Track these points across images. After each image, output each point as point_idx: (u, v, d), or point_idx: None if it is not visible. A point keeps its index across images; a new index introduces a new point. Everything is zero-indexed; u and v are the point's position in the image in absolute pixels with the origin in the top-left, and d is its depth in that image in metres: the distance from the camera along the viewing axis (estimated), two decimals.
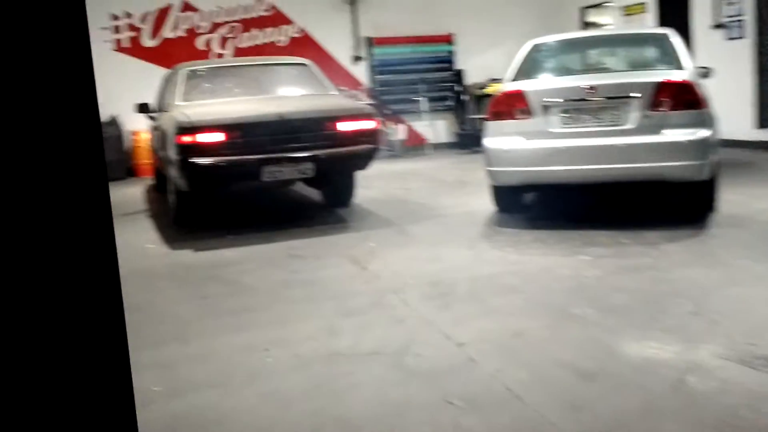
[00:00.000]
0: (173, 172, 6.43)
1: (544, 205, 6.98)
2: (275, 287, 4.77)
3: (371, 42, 12.99)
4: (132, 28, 11.70)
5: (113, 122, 11.10)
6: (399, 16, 12.97)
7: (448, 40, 13.41)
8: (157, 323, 4.14)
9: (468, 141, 12.95)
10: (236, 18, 12.23)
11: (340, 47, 12.85)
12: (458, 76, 13.47)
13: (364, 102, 6.86)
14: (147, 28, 11.77)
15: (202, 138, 6.08)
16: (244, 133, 6.16)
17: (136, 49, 11.71)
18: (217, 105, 6.70)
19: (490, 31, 13.49)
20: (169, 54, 11.67)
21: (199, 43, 12.08)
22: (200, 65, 7.53)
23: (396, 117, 13.16)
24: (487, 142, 6.10)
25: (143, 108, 8.11)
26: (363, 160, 6.75)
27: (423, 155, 12.87)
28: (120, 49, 11.66)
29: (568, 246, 5.31)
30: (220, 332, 3.91)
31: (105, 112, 10.93)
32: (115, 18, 11.59)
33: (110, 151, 10.60)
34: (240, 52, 12.20)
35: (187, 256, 5.85)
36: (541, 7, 13.70)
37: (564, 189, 6.51)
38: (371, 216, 7.06)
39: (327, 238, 6.15)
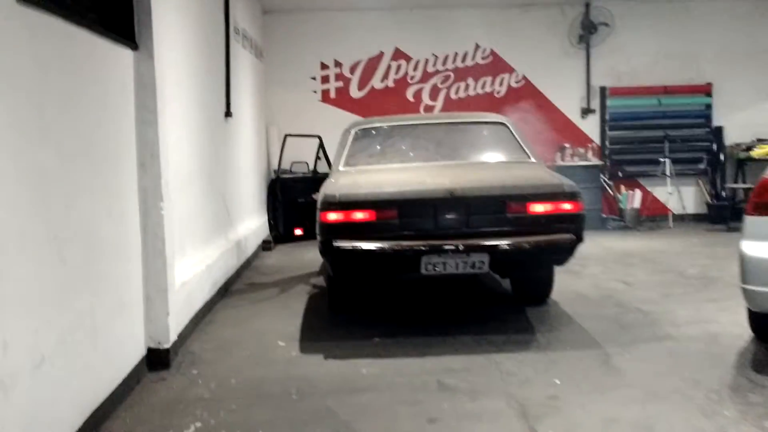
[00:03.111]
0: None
1: None
2: None
3: (605, 92, 11.07)
4: (340, 77, 11.06)
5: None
6: (642, 62, 10.94)
7: (705, 90, 11.03)
8: None
9: (723, 214, 10.46)
10: (451, 67, 11.08)
11: (567, 98, 11.12)
12: (716, 134, 10.99)
13: (563, 178, 5.13)
14: (356, 77, 11.06)
15: (349, 216, 4.84)
16: (401, 213, 4.83)
17: (342, 100, 11.04)
18: (380, 174, 5.45)
19: (759, 81, 10.89)
20: (377, 105, 10.87)
21: (409, 93, 11.10)
22: (376, 122, 6.35)
23: (631, 181, 11.04)
24: (747, 246, 4.12)
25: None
26: (558, 254, 5.06)
27: (662, 229, 10.58)
28: (326, 99, 11.06)
29: None
30: None
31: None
32: (325, 67, 11.04)
33: None
34: (451, 104, 11.02)
35: (313, 365, 4.57)
36: None
37: None
38: (568, 326, 5.28)
39: (497, 358, 4.52)
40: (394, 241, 4.79)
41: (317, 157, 7.52)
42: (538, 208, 4.92)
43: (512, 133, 6.06)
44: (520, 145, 5.94)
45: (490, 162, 5.84)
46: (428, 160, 5.79)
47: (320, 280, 7.22)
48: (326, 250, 4.89)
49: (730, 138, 10.93)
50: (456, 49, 11.05)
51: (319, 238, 4.98)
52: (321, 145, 7.58)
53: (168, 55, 4.98)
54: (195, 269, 5.67)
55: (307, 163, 7.74)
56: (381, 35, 10.95)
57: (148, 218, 4.50)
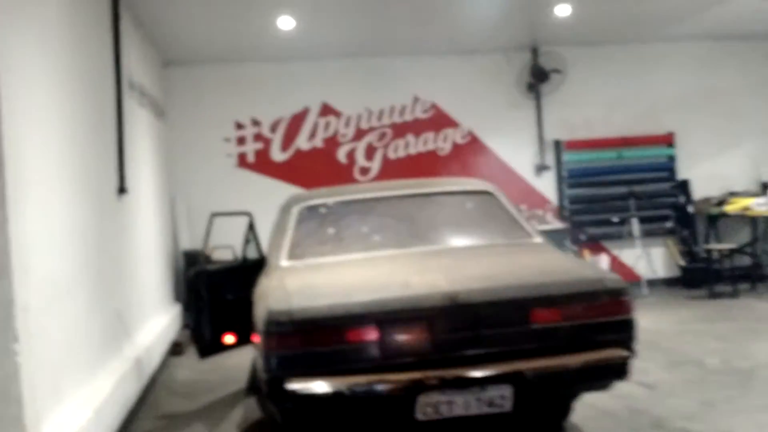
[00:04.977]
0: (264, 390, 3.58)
1: None
2: None
3: (560, 146, 9.89)
4: (259, 137, 9.40)
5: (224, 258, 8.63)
6: (597, 112, 9.85)
7: (667, 141, 10.02)
8: None
9: (698, 277, 9.32)
10: (387, 122, 9.64)
11: (519, 154, 9.86)
12: (682, 187, 9.95)
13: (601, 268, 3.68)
14: (278, 137, 9.44)
15: (310, 342, 3.21)
16: (383, 332, 3.26)
17: (263, 164, 9.37)
18: (341, 270, 3.86)
19: (721, 129, 10.00)
20: (304, 168, 9.32)
21: (341, 154, 9.56)
22: (324, 196, 4.72)
23: (595, 244, 9.81)
24: None
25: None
26: (605, 377, 3.56)
27: (638, 298, 9.30)
28: (243, 164, 9.37)
29: None
30: None
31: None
32: (240, 126, 9.37)
33: None
34: (389, 166, 9.54)
35: None
36: None
37: None
38: None
39: None
40: (376, 374, 3.19)
41: (246, 240, 5.82)
42: (575, 313, 3.43)
43: (501, 204, 4.60)
44: (516, 220, 4.48)
45: (484, 246, 4.30)
46: (401, 245, 4.22)
47: (254, 409, 5.42)
48: (274, 394, 3.24)
49: (697, 192, 9.92)
50: (392, 102, 9.63)
51: (262, 375, 3.31)
52: (251, 225, 5.89)
53: (27, 114, 3.28)
54: (77, 419, 3.82)
55: (232, 248, 5.99)
56: (305, 88, 9.41)
57: None
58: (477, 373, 3.19)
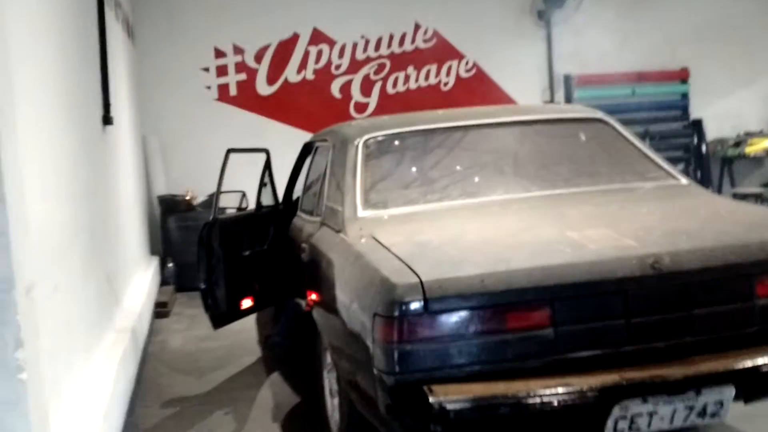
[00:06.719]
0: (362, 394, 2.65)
1: None
2: None
3: (571, 81, 9.04)
4: (242, 67, 8.21)
5: (210, 204, 7.52)
6: (610, 44, 8.97)
7: (681, 77, 9.30)
8: None
9: None
10: (385, 53, 8.58)
11: (527, 89, 8.95)
12: (695, 127, 9.29)
13: None
14: (263, 68, 8.27)
15: (455, 333, 2.33)
16: (557, 314, 2.38)
17: (247, 99, 8.22)
18: (455, 225, 2.95)
19: (736, 66, 9.32)
20: (294, 104, 8.22)
21: (335, 88, 8.47)
22: (396, 126, 3.67)
23: None
24: None
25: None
26: None
27: None
28: (225, 98, 8.19)
29: None
30: None
31: (202, 191, 7.46)
32: (221, 54, 8.16)
33: None
34: (387, 101, 8.53)
35: None
36: None
37: None
38: None
39: None
40: (554, 377, 2.29)
41: (262, 183, 4.79)
42: None
43: (622, 135, 3.71)
44: (649, 156, 3.61)
45: (627, 190, 3.35)
46: (512, 189, 3.29)
47: (280, 384, 4.48)
48: (409, 411, 2.30)
49: (711, 132, 9.29)
50: (391, 30, 8.55)
51: (378, 387, 2.36)
52: (268, 164, 4.86)
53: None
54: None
55: (243, 193, 4.94)
56: (295, 12, 8.23)
57: None
58: (694, 371, 2.33)
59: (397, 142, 3.52)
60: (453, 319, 2.34)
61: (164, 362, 5.20)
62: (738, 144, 8.93)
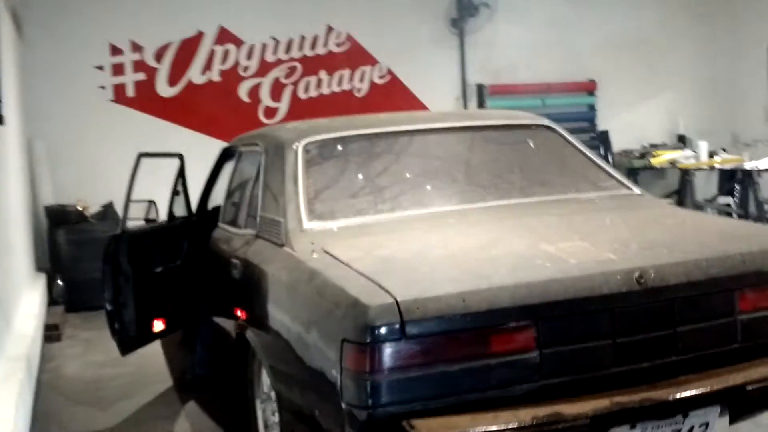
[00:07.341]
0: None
1: None
2: None
3: (483, 91, 8.99)
4: (141, 66, 7.60)
5: (105, 216, 6.91)
6: (521, 55, 9.01)
7: (589, 89, 9.47)
8: None
9: None
10: (297, 55, 8.20)
11: (440, 98, 8.80)
12: (601, 139, 9.47)
13: None
14: (164, 67, 7.69)
15: (434, 358, 2.05)
16: (542, 335, 2.15)
17: (146, 100, 7.61)
18: (415, 238, 2.68)
19: (641, 78, 9.60)
20: (198, 107, 7.71)
21: (242, 91, 8.00)
22: (334, 129, 3.31)
23: None
24: None
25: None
26: None
27: None
28: (121, 99, 7.54)
29: None
30: None
31: (95, 201, 6.82)
32: (117, 52, 7.51)
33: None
34: (300, 106, 8.15)
35: None
36: (709, 42, 9.81)
37: None
38: None
39: None
40: (542, 405, 2.06)
41: (175, 192, 4.32)
42: None
43: (570, 143, 3.57)
44: (599, 165, 3.48)
45: (583, 201, 3.16)
46: (466, 199, 3.02)
47: (197, 415, 4.02)
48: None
49: (616, 144, 9.50)
50: (303, 32, 8.18)
51: (347, 423, 2.04)
52: (182, 171, 4.39)
53: None
54: None
55: (153, 203, 4.44)
56: (199, 8, 7.72)
57: None
58: (683, 394, 2.13)
59: (339, 147, 3.18)
60: (432, 343, 2.05)
61: (61, 393, 4.58)
62: (643, 155, 9.15)
